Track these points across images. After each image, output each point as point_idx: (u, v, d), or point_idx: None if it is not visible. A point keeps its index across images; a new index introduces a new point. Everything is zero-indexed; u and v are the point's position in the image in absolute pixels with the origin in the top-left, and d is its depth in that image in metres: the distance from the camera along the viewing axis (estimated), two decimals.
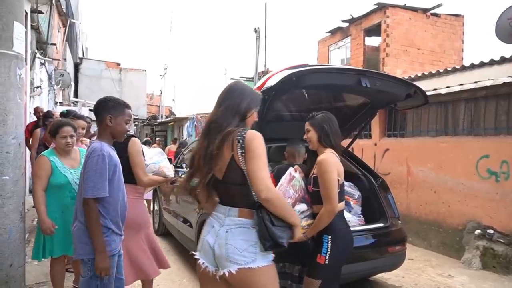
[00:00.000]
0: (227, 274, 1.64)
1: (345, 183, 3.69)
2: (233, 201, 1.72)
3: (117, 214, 2.13)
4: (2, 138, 2.44)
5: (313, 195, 2.31)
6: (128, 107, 2.25)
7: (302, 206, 2.36)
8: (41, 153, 2.86)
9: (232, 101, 1.75)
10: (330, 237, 2.21)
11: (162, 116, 24.65)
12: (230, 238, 1.66)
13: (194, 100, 54.77)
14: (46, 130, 4.67)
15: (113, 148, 2.20)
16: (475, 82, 4.72)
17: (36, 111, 5.67)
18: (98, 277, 2.02)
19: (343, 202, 2.47)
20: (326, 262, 2.19)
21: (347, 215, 3.32)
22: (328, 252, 2.19)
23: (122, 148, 2.56)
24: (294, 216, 1.73)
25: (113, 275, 2.11)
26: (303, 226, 2.29)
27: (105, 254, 2.00)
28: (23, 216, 2.65)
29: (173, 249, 4.92)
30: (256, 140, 1.65)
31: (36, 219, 5.15)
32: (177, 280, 3.93)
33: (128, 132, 2.35)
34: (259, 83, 2.77)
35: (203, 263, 1.75)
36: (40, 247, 2.74)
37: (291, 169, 2.48)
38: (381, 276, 3.96)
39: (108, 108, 2.13)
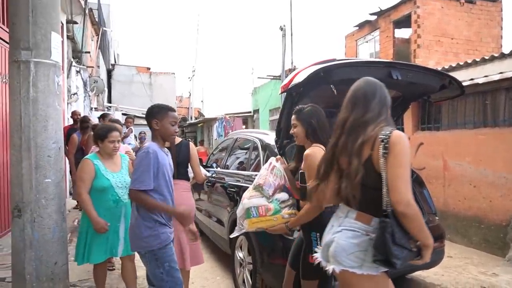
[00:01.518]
0: (330, 270, 1.63)
1: None
2: (356, 203, 1.63)
3: None
4: (44, 143, 2.55)
5: (301, 191, 2.26)
6: (171, 110, 2.40)
7: (283, 195, 2.38)
8: (85, 157, 2.92)
9: (379, 95, 1.69)
10: (318, 234, 2.09)
11: (191, 118, 25.08)
12: (342, 238, 1.61)
13: (223, 101, 55.43)
14: (83, 135, 4.91)
15: (165, 150, 2.38)
16: None
17: (74, 114, 5.99)
18: (158, 266, 2.20)
19: None
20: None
21: None
22: None
23: (184, 149, 3.15)
24: (428, 237, 1.56)
25: (173, 262, 2.27)
26: (283, 216, 2.30)
27: (171, 209, 2.28)
28: (65, 216, 2.77)
29: (206, 247, 5.00)
30: (402, 143, 1.50)
31: (76, 220, 5.42)
32: (210, 278, 3.99)
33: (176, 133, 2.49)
34: (286, 80, 2.74)
35: (316, 258, 1.75)
36: (80, 251, 2.81)
37: (272, 159, 2.51)
38: (419, 274, 3.83)
39: (153, 114, 2.34)
